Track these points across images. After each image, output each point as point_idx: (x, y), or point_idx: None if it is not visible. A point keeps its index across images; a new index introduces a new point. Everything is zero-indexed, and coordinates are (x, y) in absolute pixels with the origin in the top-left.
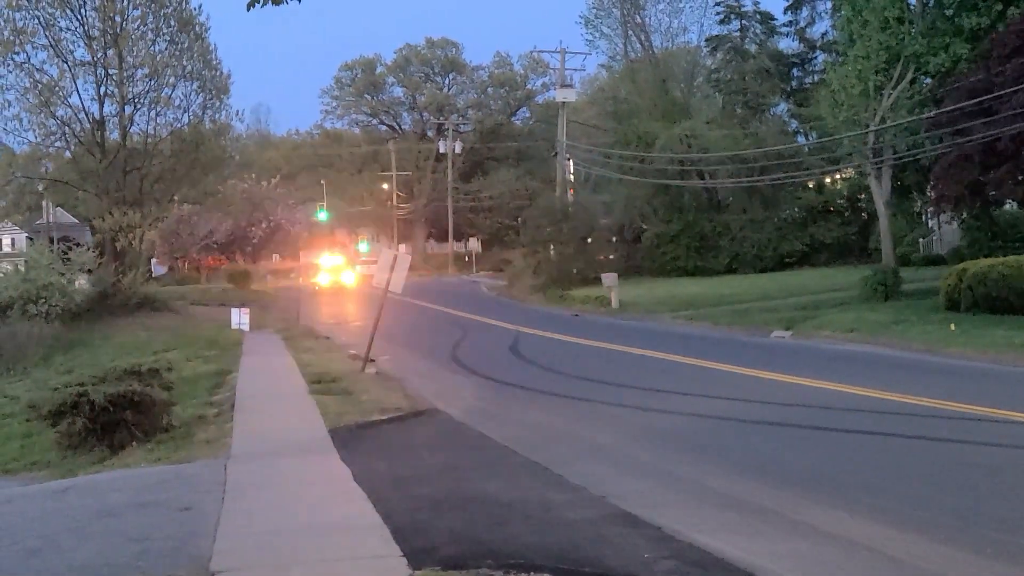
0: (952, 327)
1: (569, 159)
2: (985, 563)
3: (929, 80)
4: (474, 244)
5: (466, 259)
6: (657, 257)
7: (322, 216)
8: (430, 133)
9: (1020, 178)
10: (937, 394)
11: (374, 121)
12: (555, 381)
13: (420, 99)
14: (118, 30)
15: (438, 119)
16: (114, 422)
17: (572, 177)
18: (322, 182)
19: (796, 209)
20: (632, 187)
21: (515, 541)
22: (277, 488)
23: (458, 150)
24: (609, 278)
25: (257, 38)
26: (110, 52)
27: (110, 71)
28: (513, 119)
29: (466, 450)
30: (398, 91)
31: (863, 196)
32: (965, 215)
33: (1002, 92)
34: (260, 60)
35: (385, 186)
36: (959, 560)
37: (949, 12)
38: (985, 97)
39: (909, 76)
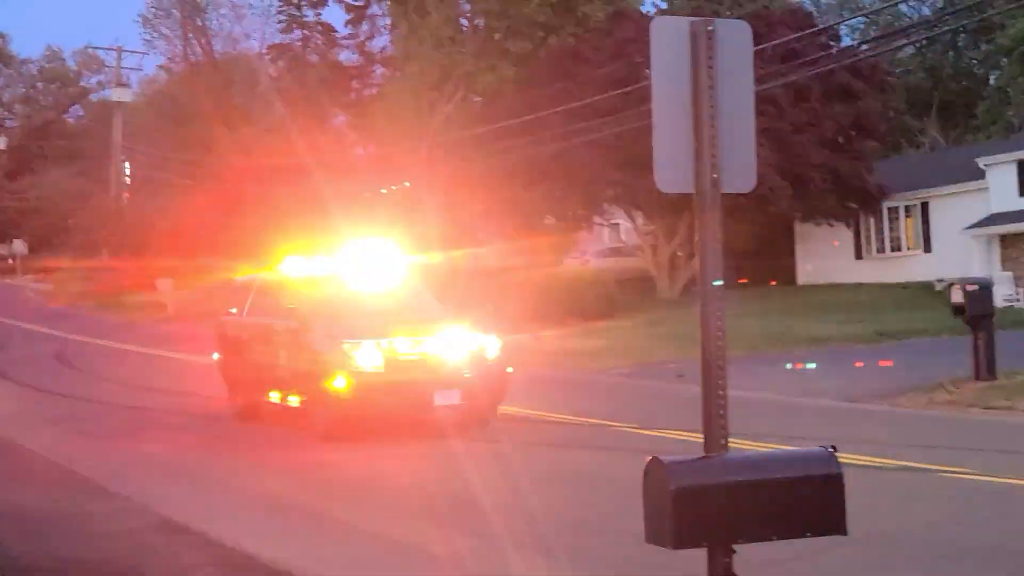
0: None
1: (125, 161)
2: (520, 555)
3: (479, 99)
4: (20, 246)
5: (10, 261)
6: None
7: None
8: None
9: (557, 195)
10: None
11: None
12: (104, 388)
13: None
14: None
15: None
16: None
17: (129, 179)
18: None
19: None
20: (194, 192)
21: (52, 556)
22: None
23: (3, 146)
24: (164, 283)
25: None
26: None
27: None
28: (66, 116)
29: None
30: None
31: None
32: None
33: (542, 113)
34: None
35: None
36: (494, 553)
37: (498, 36)
38: (527, 117)
39: (460, 94)
